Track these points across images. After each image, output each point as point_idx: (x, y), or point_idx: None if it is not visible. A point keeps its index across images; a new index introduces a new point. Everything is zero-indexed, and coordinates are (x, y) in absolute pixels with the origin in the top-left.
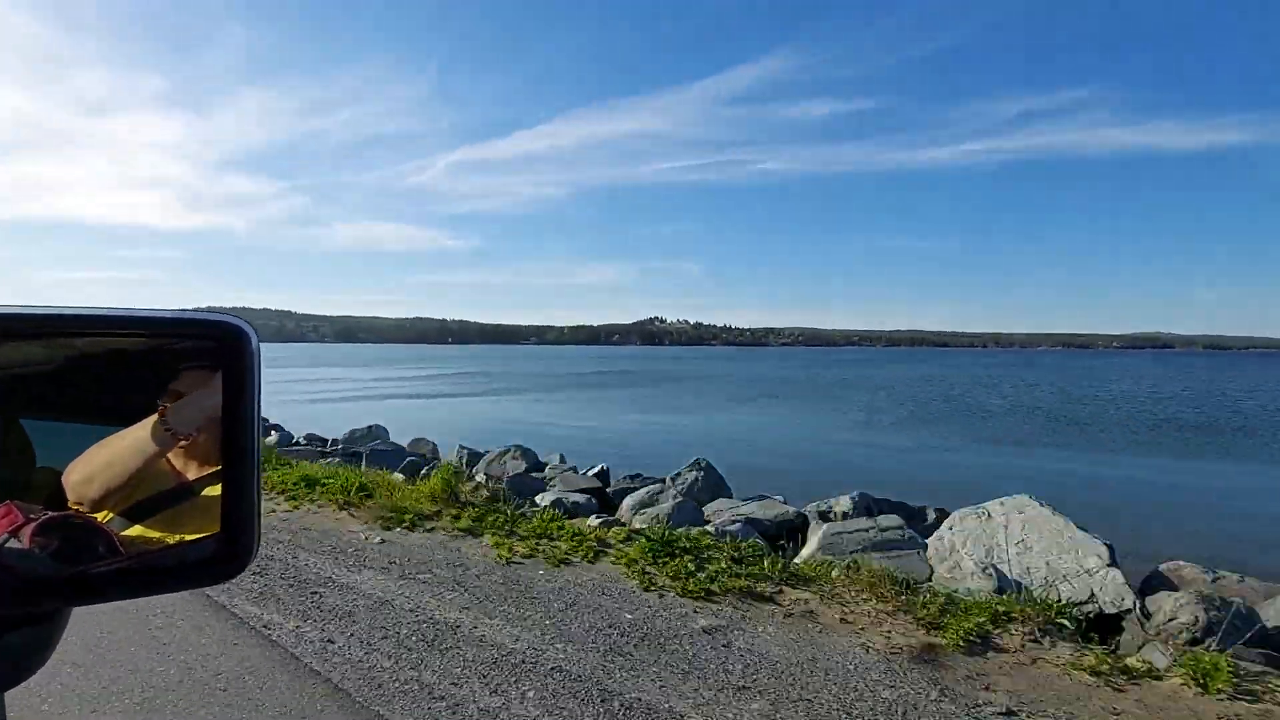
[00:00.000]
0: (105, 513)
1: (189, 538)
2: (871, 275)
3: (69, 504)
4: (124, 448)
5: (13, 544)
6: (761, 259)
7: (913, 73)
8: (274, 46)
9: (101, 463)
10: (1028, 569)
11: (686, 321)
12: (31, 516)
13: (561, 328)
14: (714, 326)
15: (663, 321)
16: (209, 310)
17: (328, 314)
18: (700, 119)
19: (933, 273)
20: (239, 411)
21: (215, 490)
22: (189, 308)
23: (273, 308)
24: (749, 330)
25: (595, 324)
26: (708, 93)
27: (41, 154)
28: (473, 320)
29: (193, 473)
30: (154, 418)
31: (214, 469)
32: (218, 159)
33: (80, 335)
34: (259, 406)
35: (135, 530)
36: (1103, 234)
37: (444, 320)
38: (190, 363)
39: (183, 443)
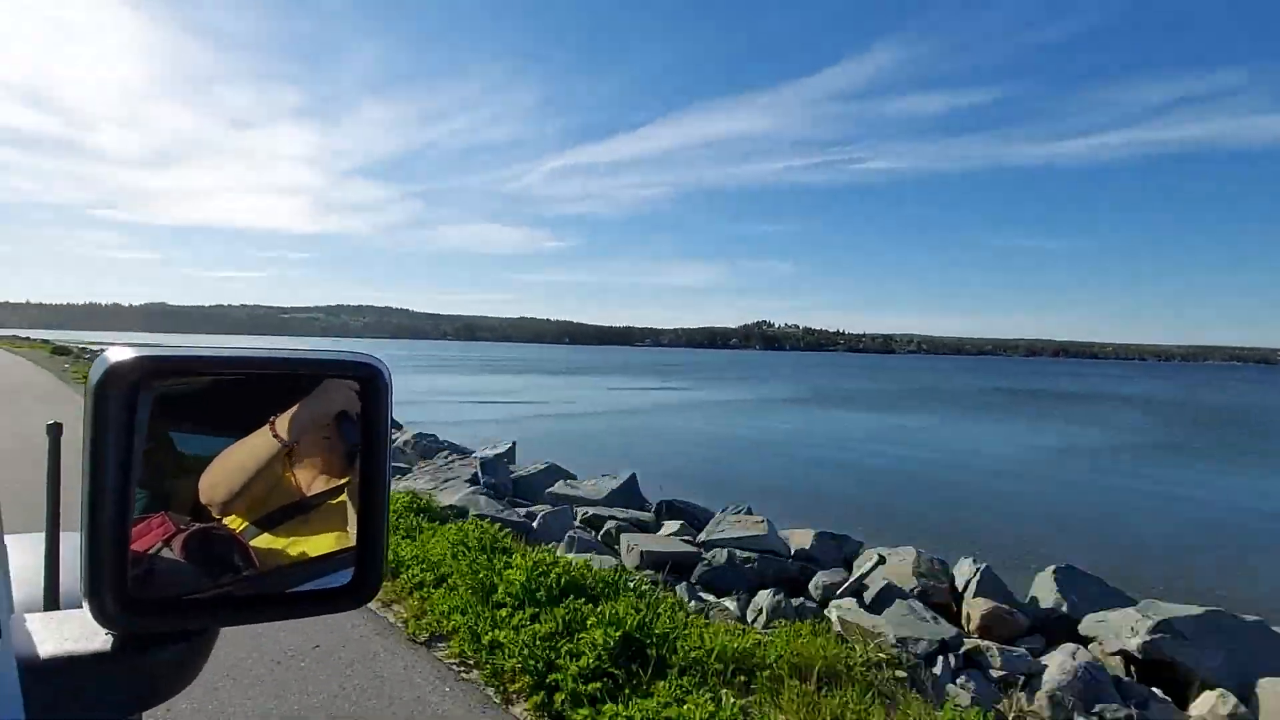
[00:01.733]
0: (239, 520)
1: (311, 552)
2: (989, 278)
3: (211, 514)
4: (240, 454)
5: (166, 552)
6: (867, 260)
7: (1035, 61)
8: (397, 61)
9: (223, 468)
10: None
11: (795, 325)
12: (181, 527)
13: (674, 330)
14: (827, 331)
15: (770, 325)
16: (339, 308)
17: (440, 312)
18: (803, 118)
19: (1061, 275)
20: (374, 446)
21: (334, 504)
22: (320, 305)
23: (393, 305)
24: (869, 335)
25: (694, 325)
26: (811, 90)
27: (196, 165)
28: (575, 320)
29: (312, 487)
30: (266, 426)
31: (332, 484)
32: (345, 167)
33: (248, 374)
34: (390, 443)
35: (263, 540)
36: (1268, 233)
37: (548, 319)
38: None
39: (289, 448)
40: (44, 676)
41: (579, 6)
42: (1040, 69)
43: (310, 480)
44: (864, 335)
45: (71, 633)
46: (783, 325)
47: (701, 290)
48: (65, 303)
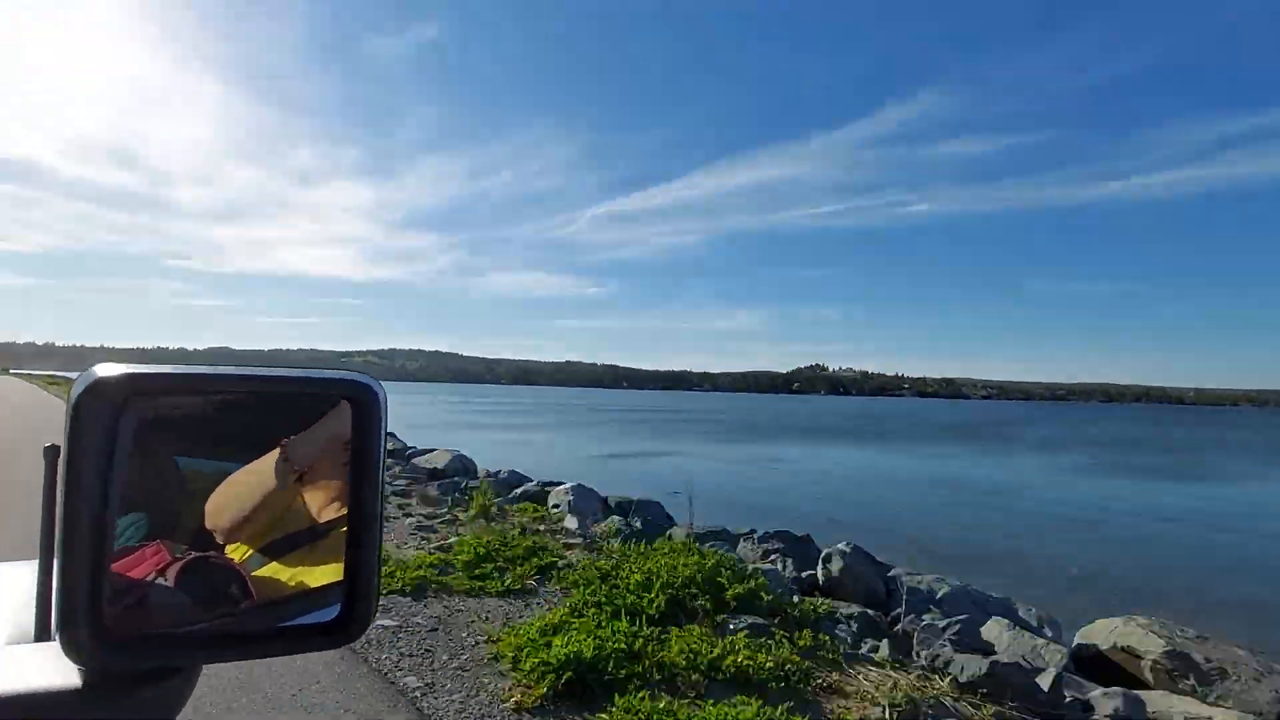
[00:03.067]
0: (243, 547)
1: (314, 584)
2: (1039, 319)
3: (214, 540)
4: (249, 479)
5: (160, 581)
6: (911, 304)
7: (1082, 103)
8: (452, 119)
9: (231, 493)
10: None
11: (850, 369)
12: (178, 556)
13: (730, 374)
14: (887, 375)
15: (824, 369)
16: (392, 351)
17: (487, 355)
18: (844, 163)
19: (1115, 317)
20: (365, 470)
21: (344, 532)
22: (374, 349)
23: (443, 349)
24: (933, 379)
25: (745, 369)
26: (852, 136)
27: (265, 218)
28: (622, 364)
29: (324, 514)
30: (276, 450)
31: (344, 512)
32: (399, 219)
33: (234, 393)
34: (384, 464)
35: (268, 569)
36: None
37: (595, 364)
38: (325, 407)
39: (301, 473)
40: (13, 712)
41: (625, 62)
42: (1086, 112)
43: (322, 507)
44: (927, 379)
45: (40, 667)
46: (838, 369)
47: (743, 335)
48: (136, 347)
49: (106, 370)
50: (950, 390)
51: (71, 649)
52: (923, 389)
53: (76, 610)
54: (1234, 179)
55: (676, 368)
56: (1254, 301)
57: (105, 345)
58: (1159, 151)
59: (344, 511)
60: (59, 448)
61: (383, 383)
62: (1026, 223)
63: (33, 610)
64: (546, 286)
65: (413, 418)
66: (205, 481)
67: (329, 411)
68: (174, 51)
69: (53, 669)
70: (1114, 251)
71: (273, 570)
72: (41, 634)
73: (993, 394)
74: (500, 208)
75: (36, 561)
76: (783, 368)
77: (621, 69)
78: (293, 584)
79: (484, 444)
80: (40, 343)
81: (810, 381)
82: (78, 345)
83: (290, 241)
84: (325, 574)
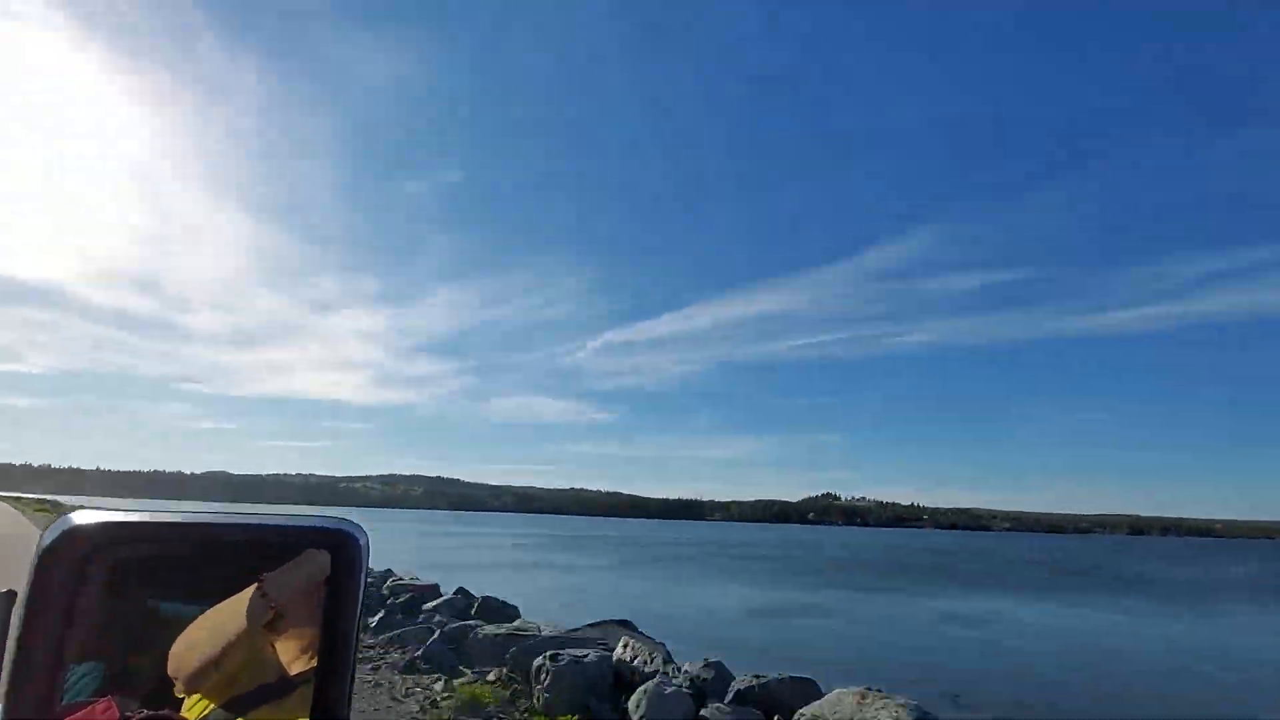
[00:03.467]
0: (203, 703)
1: None
2: (1044, 449)
3: (172, 693)
4: (221, 617)
5: None
6: (913, 433)
7: (1075, 239)
8: (468, 251)
9: (200, 633)
10: None
11: (864, 498)
12: (128, 715)
13: (742, 503)
14: (903, 505)
15: (837, 498)
16: (392, 477)
17: (488, 481)
18: (840, 296)
19: (1120, 447)
20: (341, 621)
21: (308, 694)
22: (374, 474)
23: (444, 475)
24: (951, 510)
25: (755, 498)
26: (848, 271)
27: (280, 344)
28: (626, 492)
29: (294, 665)
30: (253, 587)
31: (310, 667)
32: (409, 345)
33: (216, 539)
34: (361, 618)
35: None
36: None
37: (599, 490)
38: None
39: (271, 616)
40: None
41: (632, 197)
42: (1078, 247)
43: (293, 657)
44: (941, 509)
45: None
46: (850, 498)
47: (744, 463)
48: (133, 470)
49: (82, 518)
50: (969, 521)
51: None
52: (940, 519)
53: None
54: (1250, 307)
55: (683, 495)
56: (1272, 431)
57: (101, 467)
58: (1151, 285)
59: (314, 664)
60: (14, 593)
61: (386, 508)
62: (1021, 353)
63: None
64: (551, 411)
65: (435, 554)
66: (180, 626)
67: (308, 552)
68: (212, 187)
69: None
70: (1113, 381)
71: None
72: None
73: (1013, 526)
74: (510, 335)
75: None
76: (790, 495)
77: (629, 203)
78: None
79: (522, 583)
80: (37, 465)
81: (825, 511)
82: (74, 468)
83: (301, 366)
84: None
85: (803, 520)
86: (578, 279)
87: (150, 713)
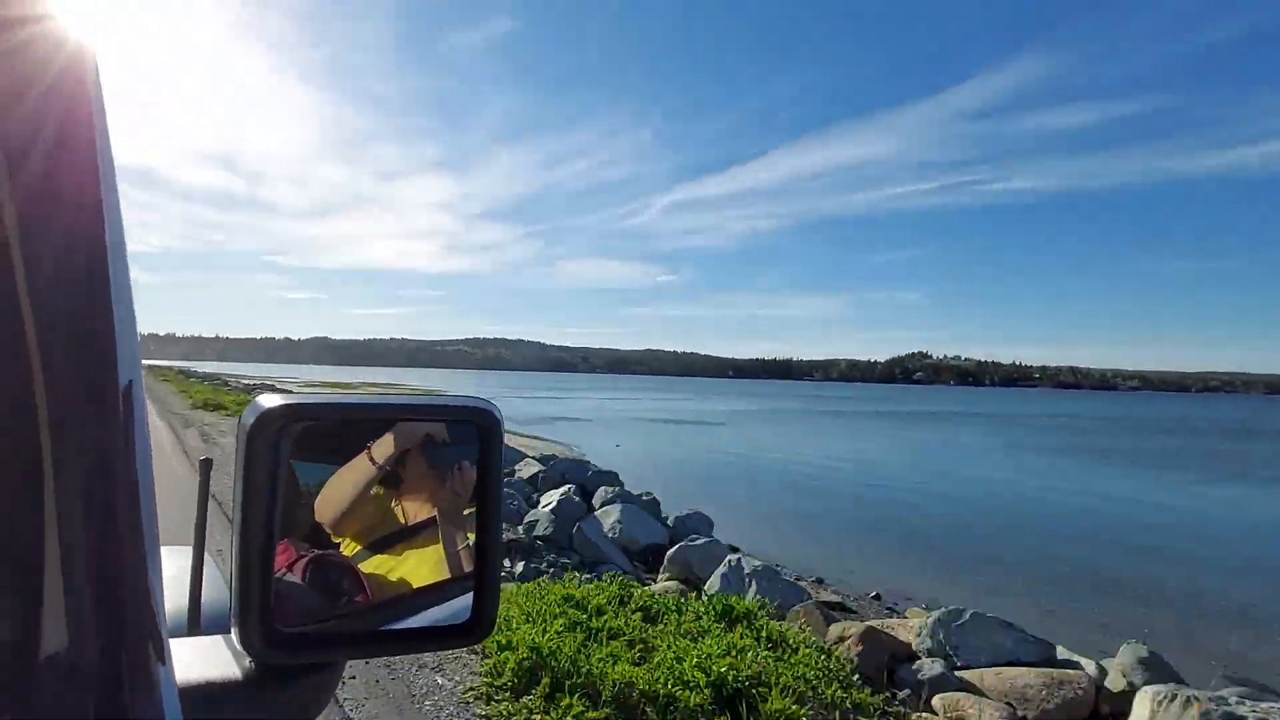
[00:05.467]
0: (351, 545)
1: (410, 578)
2: (1158, 303)
3: (327, 538)
4: (346, 476)
5: (289, 577)
6: (1008, 288)
7: (1196, 65)
8: (524, 111)
9: (332, 488)
10: None
11: (957, 356)
12: (302, 554)
13: (839, 361)
14: (1019, 365)
15: (928, 357)
16: (478, 340)
17: (567, 344)
18: (929, 139)
19: (1251, 300)
20: (490, 485)
21: (430, 533)
22: (459, 338)
23: (525, 338)
24: (1062, 368)
25: (822, 357)
26: (938, 110)
27: (351, 215)
28: (702, 352)
29: (413, 515)
30: (364, 453)
31: (429, 513)
32: (475, 211)
33: (366, 421)
34: (503, 482)
35: (372, 565)
36: None
37: (676, 352)
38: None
39: (384, 473)
40: (193, 701)
41: (698, 43)
42: (1201, 73)
43: (412, 509)
44: (1051, 368)
45: (217, 659)
46: (941, 357)
47: (816, 322)
48: (247, 337)
49: (270, 401)
50: (1097, 382)
51: (246, 643)
52: (1058, 380)
53: (251, 610)
54: None
55: (758, 354)
56: None
57: (220, 335)
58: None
59: (430, 513)
60: (211, 461)
61: (484, 371)
62: (1138, 197)
63: (180, 602)
64: (619, 275)
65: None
66: (315, 485)
67: (408, 422)
68: (272, 59)
69: (225, 661)
70: (1241, 226)
71: (375, 566)
72: (193, 627)
73: (1138, 385)
74: (574, 197)
75: (171, 549)
76: (871, 355)
77: (695, 50)
78: (395, 580)
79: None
80: (162, 334)
81: (936, 371)
82: (197, 335)
83: (374, 236)
84: (423, 572)
85: (906, 380)
86: (640, 134)
87: (320, 551)
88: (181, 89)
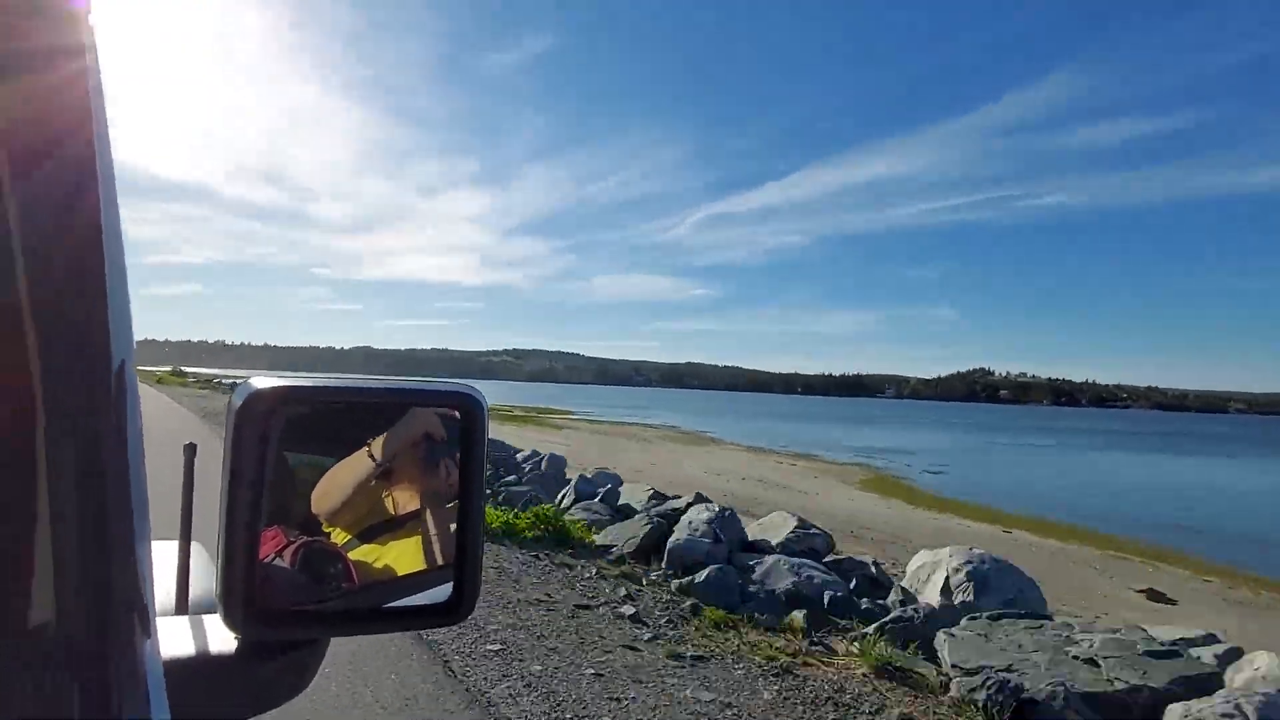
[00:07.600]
0: (342, 534)
1: (395, 565)
2: (1205, 321)
3: (319, 526)
4: (343, 471)
5: (278, 562)
6: (1046, 304)
7: (1236, 78)
8: (560, 127)
9: (330, 483)
10: None
11: (1024, 374)
12: (291, 540)
13: (909, 378)
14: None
15: (990, 374)
16: (516, 351)
17: (607, 356)
18: (963, 155)
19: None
20: (472, 471)
21: (417, 523)
22: (499, 349)
23: (564, 350)
24: (1144, 389)
25: (865, 373)
26: (973, 126)
27: (391, 228)
28: (747, 367)
29: (402, 506)
30: (365, 448)
31: (417, 505)
32: (510, 225)
33: (367, 403)
34: (484, 468)
35: (360, 553)
36: None
37: (716, 365)
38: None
39: (384, 469)
40: (179, 676)
41: (730, 61)
42: (1239, 89)
43: (401, 500)
44: (1139, 389)
45: (203, 636)
46: (1004, 374)
47: (845, 339)
48: (292, 345)
49: (262, 382)
50: (1203, 404)
51: (231, 620)
52: (1163, 402)
53: (235, 588)
54: None
55: (788, 370)
56: None
57: (269, 344)
58: None
59: (418, 505)
60: (196, 446)
61: (539, 383)
62: (1175, 213)
63: (169, 587)
64: (651, 289)
65: None
66: (307, 474)
67: (405, 415)
68: (321, 77)
69: (211, 637)
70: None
71: (363, 554)
72: (180, 608)
73: (1244, 408)
74: (606, 212)
75: (162, 543)
76: (913, 371)
77: (726, 68)
78: (381, 567)
79: None
80: (212, 341)
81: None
82: (247, 343)
83: (413, 250)
84: (408, 560)
85: (989, 399)
86: (674, 151)
87: (311, 538)
88: (232, 107)
